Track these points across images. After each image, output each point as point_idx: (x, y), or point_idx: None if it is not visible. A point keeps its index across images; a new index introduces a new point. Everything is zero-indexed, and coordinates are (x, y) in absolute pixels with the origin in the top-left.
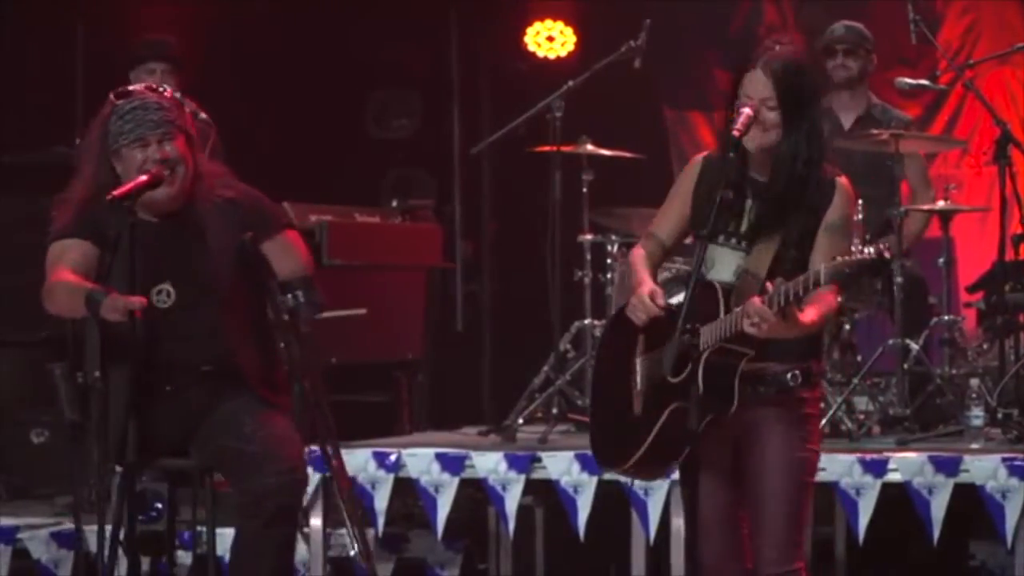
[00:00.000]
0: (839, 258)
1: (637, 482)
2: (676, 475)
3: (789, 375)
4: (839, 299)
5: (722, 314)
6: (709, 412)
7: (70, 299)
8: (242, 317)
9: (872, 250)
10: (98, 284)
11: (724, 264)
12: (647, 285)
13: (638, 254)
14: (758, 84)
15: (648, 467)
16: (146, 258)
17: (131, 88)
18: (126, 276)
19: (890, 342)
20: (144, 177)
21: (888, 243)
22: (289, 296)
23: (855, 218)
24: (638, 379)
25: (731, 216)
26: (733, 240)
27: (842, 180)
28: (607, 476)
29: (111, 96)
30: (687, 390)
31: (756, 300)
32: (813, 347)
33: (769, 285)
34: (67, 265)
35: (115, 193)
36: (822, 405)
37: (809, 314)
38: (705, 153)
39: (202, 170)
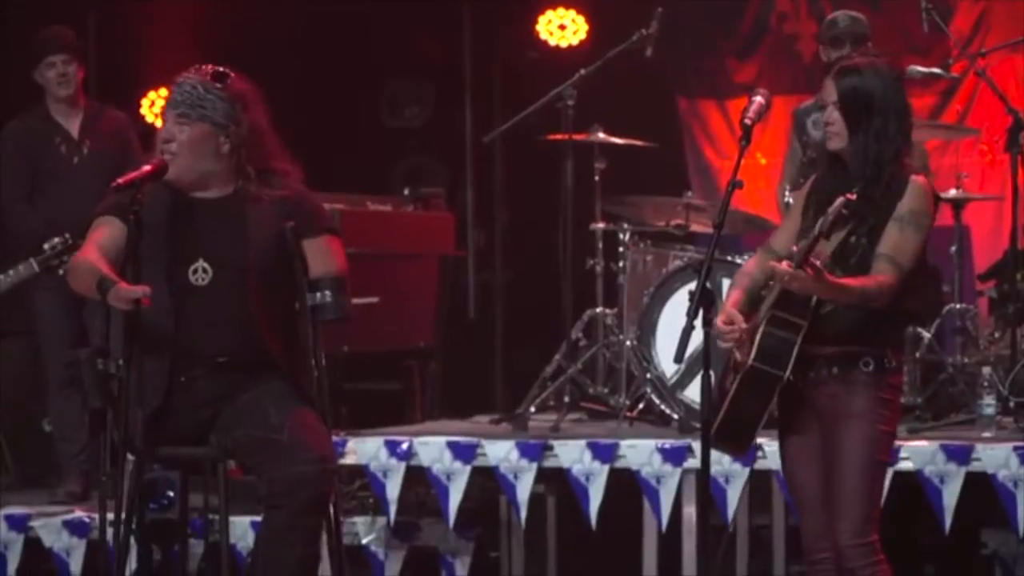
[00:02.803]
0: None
1: (647, 471)
2: (689, 464)
3: (861, 362)
4: (892, 281)
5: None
6: (767, 384)
7: (87, 281)
8: (273, 305)
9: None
10: (128, 262)
11: None
12: (723, 313)
13: (741, 271)
14: (828, 88)
15: (728, 441)
16: (185, 236)
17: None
18: (133, 261)
19: None
20: (148, 167)
21: None
22: (317, 294)
23: (929, 213)
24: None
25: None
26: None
27: (917, 177)
28: (619, 464)
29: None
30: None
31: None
32: (876, 335)
33: (794, 247)
34: (95, 244)
35: (120, 181)
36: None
37: (846, 279)
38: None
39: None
